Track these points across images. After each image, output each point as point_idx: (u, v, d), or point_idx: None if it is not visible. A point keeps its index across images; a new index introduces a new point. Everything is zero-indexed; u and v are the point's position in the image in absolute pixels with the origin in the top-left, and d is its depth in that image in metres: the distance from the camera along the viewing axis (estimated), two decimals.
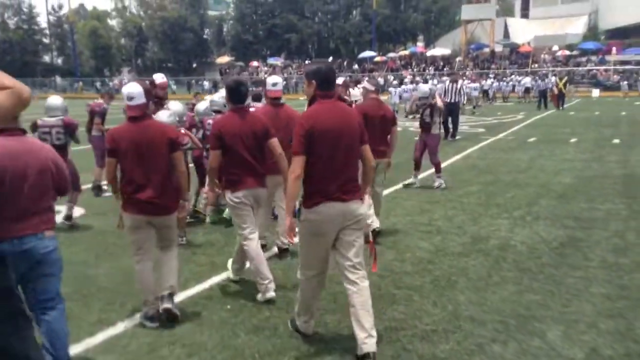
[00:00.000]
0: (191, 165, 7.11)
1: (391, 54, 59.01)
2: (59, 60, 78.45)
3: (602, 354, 3.68)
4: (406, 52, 58.69)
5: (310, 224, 3.64)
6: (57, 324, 3.35)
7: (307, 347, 3.83)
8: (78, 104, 9.28)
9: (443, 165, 11.35)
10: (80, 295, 4.83)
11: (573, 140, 15.25)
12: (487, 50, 54.81)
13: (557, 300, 4.56)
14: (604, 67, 45.68)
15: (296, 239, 3.74)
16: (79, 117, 8.25)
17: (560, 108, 26.86)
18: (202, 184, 7.39)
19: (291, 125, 4.87)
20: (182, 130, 6.49)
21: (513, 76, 39.91)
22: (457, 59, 53.02)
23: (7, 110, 2.19)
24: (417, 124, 9.78)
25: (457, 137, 15.97)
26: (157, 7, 74.45)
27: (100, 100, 9.70)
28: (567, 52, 49.38)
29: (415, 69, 50.49)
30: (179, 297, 4.71)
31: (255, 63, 59.69)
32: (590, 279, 5.00)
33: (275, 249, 5.92)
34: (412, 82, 27.95)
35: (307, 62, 51.83)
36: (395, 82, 30.41)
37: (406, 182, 9.26)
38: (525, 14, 63.57)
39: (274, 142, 4.75)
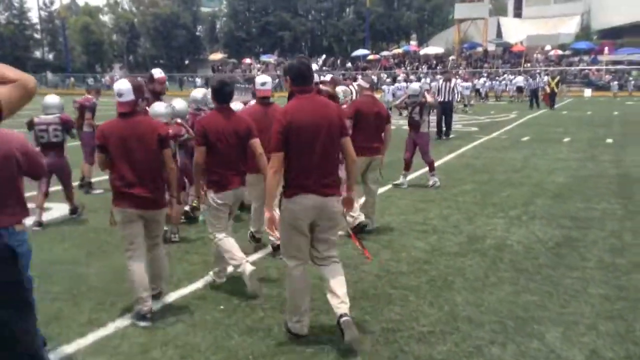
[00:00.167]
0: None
1: (384, 53, 58.94)
2: (50, 56, 77.83)
3: (602, 356, 3.63)
4: (399, 51, 58.67)
5: (289, 213, 3.75)
6: None
7: (302, 348, 3.75)
8: (70, 100, 9.13)
9: (437, 163, 11.31)
10: (70, 295, 4.73)
11: (566, 139, 15.26)
12: (480, 49, 54.87)
13: (555, 301, 4.50)
14: (596, 67, 45.85)
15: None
16: (70, 113, 8.10)
17: (551, 108, 26.88)
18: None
19: None
20: (178, 121, 6.43)
21: (506, 75, 39.96)
22: (450, 57, 53.04)
23: (14, 104, 2.18)
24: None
25: (451, 136, 15.93)
26: (150, 3, 73.90)
27: (89, 96, 9.59)
28: (560, 52, 49.52)
29: (408, 68, 50.45)
30: (172, 297, 4.65)
31: (248, 60, 59.45)
32: (587, 279, 4.96)
33: (270, 247, 5.85)
34: (405, 81, 27.92)
35: None
36: (388, 80, 30.36)
37: (396, 182, 9.17)
38: (518, 14, 63.68)
39: (256, 142, 4.80)
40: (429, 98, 9.14)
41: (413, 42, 64.02)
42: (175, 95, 13.82)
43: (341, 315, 3.71)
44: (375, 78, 43.21)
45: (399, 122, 18.11)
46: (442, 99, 15.69)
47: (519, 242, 6.07)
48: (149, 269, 4.34)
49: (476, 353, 3.68)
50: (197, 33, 77.84)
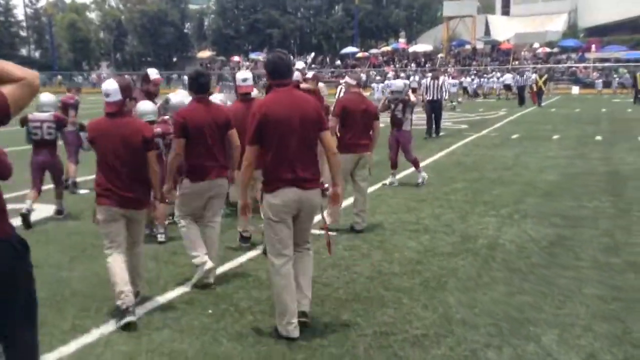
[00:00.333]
0: None
1: (373, 50, 58.89)
2: (37, 54, 76.96)
3: (600, 359, 3.56)
4: (388, 48, 58.61)
5: (273, 207, 3.75)
6: None
7: (294, 354, 3.63)
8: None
9: (428, 161, 11.29)
10: (53, 301, 4.57)
11: (555, 137, 15.25)
12: (468, 47, 54.98)
13: (549, 301, 4.43)
14: (583, 65, 46.09)
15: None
16: None
17: (538, 105, 26.91)
18: None
19: None
20: (166, 118, 6.31)
21: (493, 73, 40.03)
22: (439, 55, 53.09)
23: (24, 102, 2.20)
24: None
25: (441, 134, 15.87)
26: (137, 0, 73.37)
27: (70, 94, 9.44)
28: (548, 50, 49.72)
29: (397, 65, 50.42)
30: (158, 301, 4.52)
31: (236, 58, 59.07)
32: (582, 279, 4.89)
33: (261, 248, 5.74)
34: (395, 78, 27.86)
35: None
36: (378, 78, 30.27)
37: (386, 181, 9.06)
38: (506, 11, 63.85)
39: (234, 132, 4.89)
40: (412, 97, 9.03)
41: (402, 40, 63.91)
42: (164, 93, 13.67)
43: (303, 313, 3.88)
44: (364, 76, 43.23)
45: (387, 120, 18.05)
46: (430, 97, 15.61)
47: (512, 241, 6.00)
48: (129, 268, 4.31)
49: (472, 357, 3.59)
50: (185, 30, 77.36)
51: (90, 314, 4.32)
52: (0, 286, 2.22)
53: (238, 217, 5.96)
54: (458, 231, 6.41)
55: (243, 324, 4.08)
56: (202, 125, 4.63)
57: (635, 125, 17.63)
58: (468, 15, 55.62)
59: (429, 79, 16.45)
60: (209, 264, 4.69)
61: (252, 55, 60.50)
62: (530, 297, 4.50)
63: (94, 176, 4.46)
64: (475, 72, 41.71)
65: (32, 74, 2.20)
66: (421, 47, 56.34)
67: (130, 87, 4.45)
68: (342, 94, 8.23)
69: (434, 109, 15.63)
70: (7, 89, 2.14)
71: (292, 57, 52.00)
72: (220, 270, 5.18)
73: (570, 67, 46.35)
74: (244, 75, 5.95)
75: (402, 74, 34.62)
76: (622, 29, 51.64)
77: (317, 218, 6.62)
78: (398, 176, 9.22)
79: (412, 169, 9.37)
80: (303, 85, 7.03)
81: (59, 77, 58.99)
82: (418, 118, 17.64)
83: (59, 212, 7.42)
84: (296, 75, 6.51)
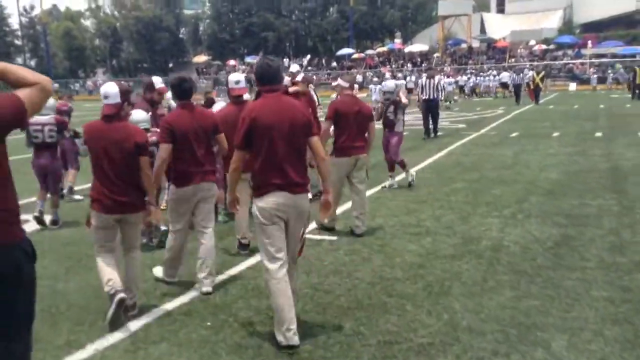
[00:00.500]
0: None
1: (369, 51, 58.82)
2: (32, 62, 76.74)
3: None
4: (384, 49, 58.57)
5: (263, 211, 3.75)
6: None
7: None
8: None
9: (427, 162, 11.22)
10: (48, 314, 4.45)
11: (555, 134, 15.15)
12: (464, 45, 54.94)
13: (557, 305, 4.31)
14: (580, 61, 46.05)
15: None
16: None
17: (536, 103, 26.81)
18: None
19: None
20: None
21: (490, 71, 39.95)
22: (435, 55, 53.03)
23: (38, 106, 2.33)
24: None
25: (439, 134, 15.74)
26: (132, 6, 73.13)
27: (63, 101, 9.36)
28: (544, 46, 49.69)
29: (393, 66, 50.36)
30: (155, 314, 4.40)
31: (232, 62, 58.98)
32: (589, 281, 4.77)
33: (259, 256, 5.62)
34: (393, 78, 27.78)
35: (284, 60, 51.49)
36: (375, 79, 30.15)
37: (385, 184, 8.93)
38: (501, 9, 63.87)
39: (222, 137, 4.95)
40: (404, 99, 8.89)
41: (397, 40, 63.93)
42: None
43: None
44: (360, 77, 43.14)
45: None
46: (426, 97, 15.47)
47: (516, 242, 5.88)
48: (124, 275, 4.36)
49: None
50: (181, 36, 77.15)
51: (85, 328, 4.19)
52: (6, 288, 2.27)
53: (236, 224, 5.85)
54: (460, 233, 6.29)
55: (242, 336, 3.96)
56: (187, 131, 4.65)
57: (634, 121, 17.54)
58: (463, 14, 55.58)
59: (424, 78, 16.29)
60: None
61: (248, 59, 60.39)
62: (538, 301, 4.38)
63: (89, 184, 4.46)
64: (471, 71, 41.58)
65: (45, 79, 2.31)
66: (417, 47, 56.27)
67: (129, 92, 4.50)
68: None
69: (430, 108, 15.48)
70: (23, 93, 2.25)
71: (287, 59, 52.05)
72: (219, 279, 5.06)
73: (567, 64, 46.31)
74: (236, 77, 5.86)
75: (399, 74, 34.55)
76: (618, 24, 51.62)
77: (313, 225, 6.60)
78: (397, 178, 9.10)
79: (411, 170, 9.24)
80: (291, 89, 6.98)
81: (56, 85, 58.87)
82: (415, 118, 17.63)
83: (54, 222, 7.30)
84: (285, 80, 6.45)
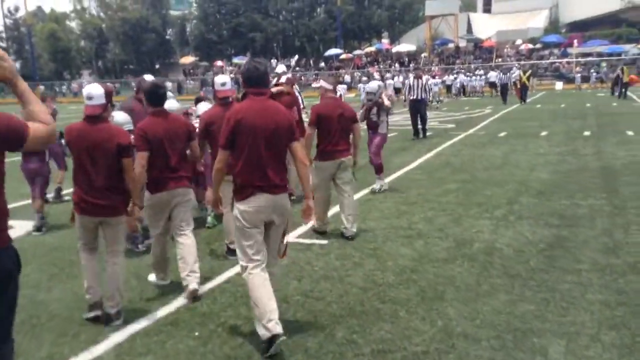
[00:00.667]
0: None
1: (357, 51, 58.80)
2: (17, 65, 75.90)
3: None
4: (372, 49, 58.56)
5: (244, 214, 3.77)
6: None
7: None
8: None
9: (417, 162, 11.14)
10: (29, 326, 4.31)
11: (544, 133, 15.15)
12: (451, 45, 55.07)
13: (553, 309, 4.23)
14: (566, 60, 46.32)
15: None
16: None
17: (523, 102, 26.88)
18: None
19: None
20: None
21: (477, 71, 40.03)
22: (423, 54, 53.10)
23: (36, 143, 2.42)
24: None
25: (428, 134, 15.67)
26: (118, 7, 72.52)
27: (47, 103, 9.20)
28: (530, 46, 49.93)
29: (381, 66, 50.35)
30: (141, 324, 4.25)
31: (219, 63, 58.70)
32: (584, 284, 4.70)
33: None
34: (382, 79, 27.74)
35: (272, 60, 51.29)
36: (364, 79, 30.02)
37: (375, 186, 8.79)
38: (487, 9, 64.14)
39: (195, 143, 5.01)
40: (386, 101, 8.78)
41: (385, 40, 63.96)
42: None
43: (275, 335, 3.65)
44: (349, 77, 43.10)
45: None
46: (414, 97, 15.38)
47: (508, 244, 5.81)
48: (108, 281, 4.34)
49: None
50: (167, 37, 76.61)
51: (68, 339, 4.05)
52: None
53: (224, 228, 5.73)
54: (452, 235, 6.20)
55: (232, 346, 3.84)
56: (161, 137, 4.64)
57: (622, 119, 17.61)
58: (450, 13, 55.70)
59: (412, 78, 16.18)
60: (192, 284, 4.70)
61: (236, 60, 60.17)
62: (533, 305, 4.30)
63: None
64: (457, 70, 41.61)
65: (52, 126, 2.44)
66: (404, 47, 56.37)
67: (112, 93, 4.49)
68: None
69: (418, 109, 15.38)
70: (34, 126, 2.38)
71: (275, 60, 51.81)
72: (207, 286, 4.94)
73: (554, 63, 46.56)
74: (222, 79, 5.79)
75: (388, 74, 34.50)
76: (603, 23, 52.03)
77: (304, 229, 6.49)
78: (386, 179, 9.01)
79: (402, 171, 9.16)
80: (274, 89, 6.89)
81: (42, 87, 58.25)
82: (404, 118, 17.55)
83: (38, 228, 7.14)
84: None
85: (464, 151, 12.60)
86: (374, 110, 8.63)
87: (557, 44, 49.27)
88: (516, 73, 29.97)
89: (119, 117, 5.65)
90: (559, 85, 40.06)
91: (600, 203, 7.34)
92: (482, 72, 38.52)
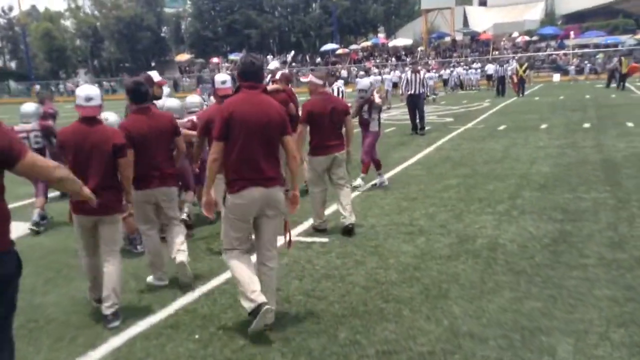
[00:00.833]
0: None
1: (353, 46, 58.61)
2: (12, 64, 75.63)
3: None
4: (368, 44, 58.41)
5: (237, 207, 3.84)
6: None
7: None
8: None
9: (416, 157, 11.04)
10: (26, 330, 4.21)
11: (543, 126, 15.06)
12: (448, 39, 54.96)
13: (560, 306, 4.14)
14: (563, 52, 46.24)
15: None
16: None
17: (521, 95, 26.75)
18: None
19: None
20: None
21: (474, 64, 39.93)
22: (419, 48, 52.97)
23: (31, 171, 2.55)
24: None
25: (427, 128, 15.55)
26: (112, 6, 72.14)
27: (48, 104, 9.09)
28: (527, 38, 49.83)
29: (377, 60, 50.20)
30: (140, 327, 4.16)
31: (215, 59, 58.52)
32: (591, 279, 4.61)
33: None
34: (378, 73, 27.65)
35: (268, 56, 51.10)
36: (362, 73, 29.90)
37: (374, 182, 8.70)
38: (483, 2, 64.05)
39: (180, 139, 5.07)
40: (377, 99, 8.65)
41: (381, 35, 63.82)
42: None
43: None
44: (345, 72, 42.91)
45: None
46: (411, 91, 15.25)
47: (512, 240, 5.72)
48: (105, 281, 4.32)
49: None
50: (162, 34, 76.33)
51: (65, 344, 3.96)
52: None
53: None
54: (454, 232, 6.11)
55: (233, 349, 3.75)
56: (145, 135, 4.69)
57: (621, 111, 17.53)
58: (446, 7, 55.58)
59: (409, 72, 16.03)
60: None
61: (231, 56, 59.93)
62: (540, 303, 4.21)
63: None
64: (454, 64, 41.48)
65: (56, 176, 2.61)
66: (401, 41, 56.20)
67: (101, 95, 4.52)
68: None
69: (416, 103, 15.25)
70: (39, 158, 2.56)
71: (271, 56, 51.58)
72: (206, 287, 4.86)
73: (550, 55, 46.47)
74: (222, 77, 5.79)
75: (386, 69, 34.34)
76: (599, 15, 52.00)
77: (304, 227, 6.40)
78: (386, 175, 8.92)
79: (403, 166, 9.07)
80: (270, 87, 6.81)
81: (37, 86, 58.00)
82: (402, 113, 17.44)
83: (36, 223, 7.10)
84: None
85: (464, 145, 12.50)
86: (366, 107, 8.51)
87: (553, 35, 49.20)
88: (513, 65, 29.85)
89: (112, 117, 5.65)
90: (557, 77, 39.99)
91: (603, 196, 7.26)
92: (478, 65, 38.43)
